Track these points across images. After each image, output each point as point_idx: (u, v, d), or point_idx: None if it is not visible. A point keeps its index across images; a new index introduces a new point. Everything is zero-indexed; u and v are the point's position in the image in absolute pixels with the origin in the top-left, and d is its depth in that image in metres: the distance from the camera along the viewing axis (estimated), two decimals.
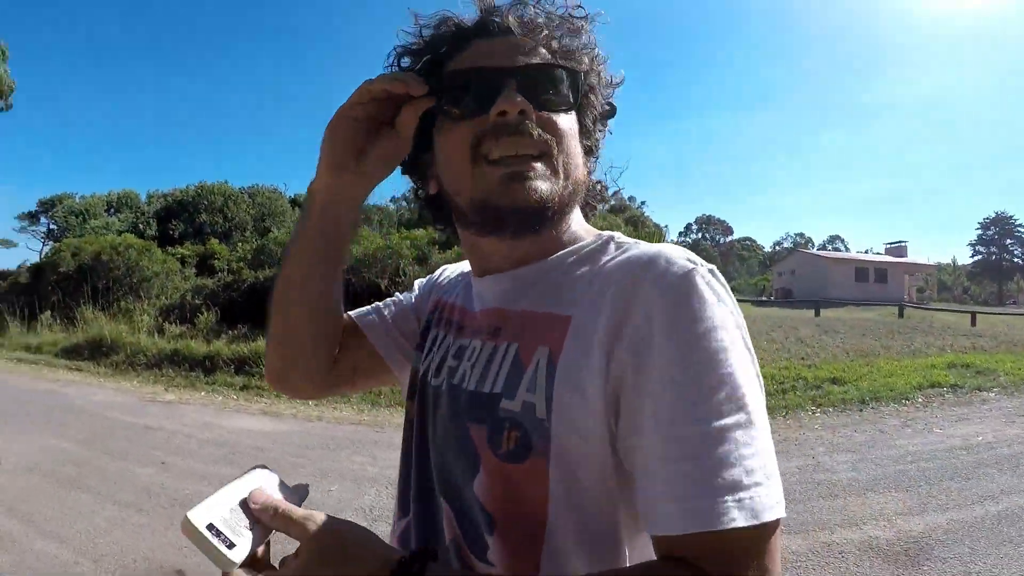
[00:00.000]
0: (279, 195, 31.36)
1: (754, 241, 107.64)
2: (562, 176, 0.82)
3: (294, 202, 32.95)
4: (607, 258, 0.82)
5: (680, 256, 0.72)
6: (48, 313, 19.80)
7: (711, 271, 0.73)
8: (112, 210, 34.03)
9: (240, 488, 0.89)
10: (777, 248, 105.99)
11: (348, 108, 0.84)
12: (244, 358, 11.45)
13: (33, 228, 52.01)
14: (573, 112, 0.86)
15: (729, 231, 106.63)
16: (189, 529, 0.81)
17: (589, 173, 0.95)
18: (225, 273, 21.61)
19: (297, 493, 0.93)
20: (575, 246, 0.87)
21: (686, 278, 0.70)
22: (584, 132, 0.90)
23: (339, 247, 0.96)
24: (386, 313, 1.14)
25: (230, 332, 13.84)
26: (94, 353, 14.96)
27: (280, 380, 1.09)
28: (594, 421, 0.72)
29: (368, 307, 1.16)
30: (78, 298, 20.21)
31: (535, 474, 0.74)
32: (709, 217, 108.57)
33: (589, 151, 0.93)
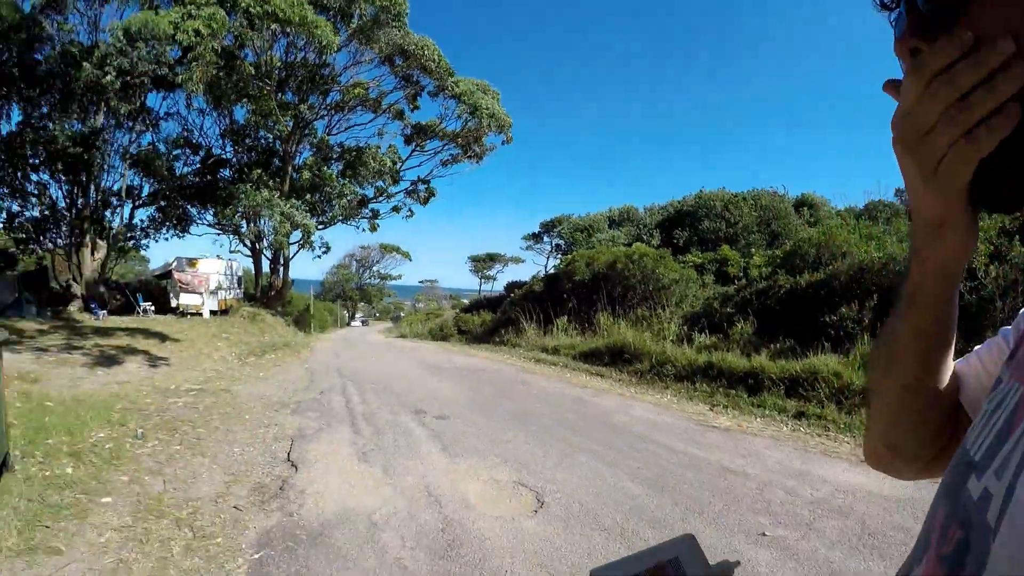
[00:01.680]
0: (780, 198, 31.79)
1: None
2: None
3: (800, 203, 31.91)
4: None
5: None
6: (564, 319, 22.53)
7: None
8: (613, 224, 34.41)
9: (652, 556, 0.86)
10: None
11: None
12: (794, 377, 10.38)
13: (537, 246, 61.04)
14: None
15: None
16: None
17: None
18: (742, 280, 21.23)
19: (718, 571, 0.85)
20: None
21: None
22: None
23: (952, 321, 0.75)
24: (982, 354, 0.86)
25: (771, 346, 12.83)
26: (615, 359, 15.64)
27: (881, 463, 0.94)
28: None
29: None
30: (593, 305, 21.96)
31: None
32: None
33: None
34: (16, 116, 25.93)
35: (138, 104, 24.16)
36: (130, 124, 26.03)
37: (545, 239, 58.09)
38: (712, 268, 23.94)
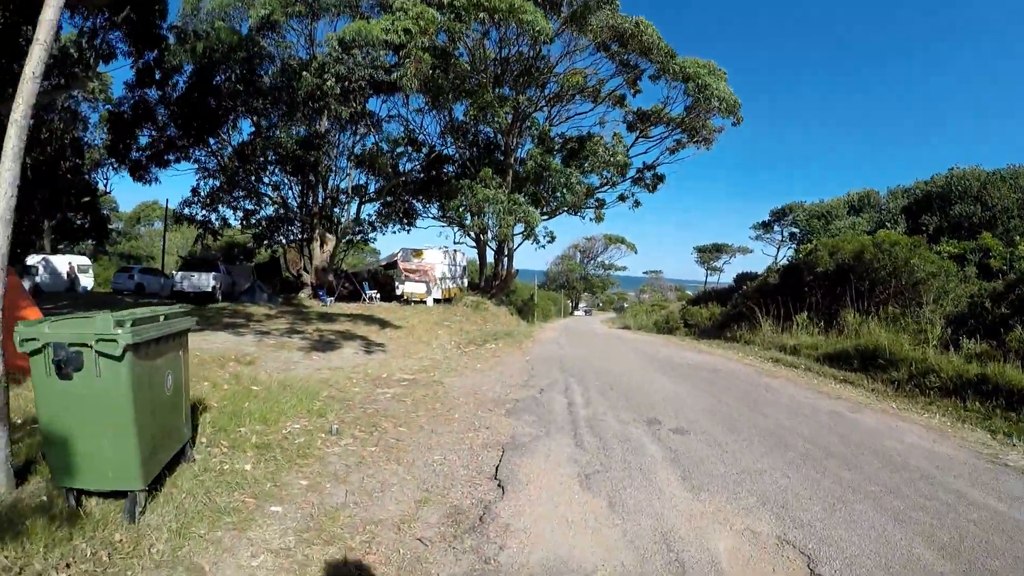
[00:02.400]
0: None
1: None
2: None
3: None
4: None
5: None
6: (804, 315, 20.30)
7: None
8: (853, 211, 31.80)
9: None
10: None
11: None
12: None
13: (767, 236, 60.08)
14: None
15: None
16: None
17: None
18: (1009, 275, 18.25)
19: None
20: None
21: None
22: None
23: None
24: None
25: None
26: (865, 364, 13.74)
27: None
28: None
29: None
30: (837, 300, 19.87)
31: None
32: None
33: None
34: (247, 128, 29.12)
35: (359, 107, 25.16)
36: (353, 127, 27.66)
37: (776, 228, 56.72)
38: (973, 260, 21.19)
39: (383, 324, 18.32)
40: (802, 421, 8.53)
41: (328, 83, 21.93)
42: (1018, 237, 22.07)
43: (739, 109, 28.28)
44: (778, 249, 57.20)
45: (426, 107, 30.06)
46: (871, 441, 7.48)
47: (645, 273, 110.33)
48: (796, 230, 36.22)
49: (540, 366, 13.42)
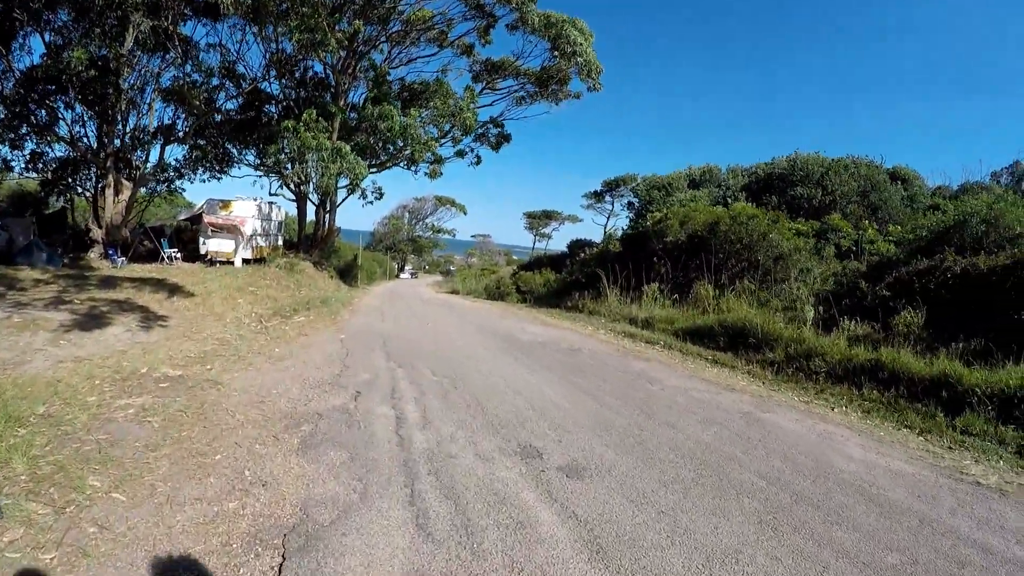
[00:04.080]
0: (876, 167, 28.48)
1: None
2: None
3: (893, 175, 29.15)
4: None
5: None
6: (655, 285, 18.62)
7: None
8: (694, 184, 33.48)
9: None
10: None
11: None
12: (1007, 396, 7.70)
13: (598, 205, 60.20)
14: None
15: None
16: None
17: None
18: (859, 255, 18.48)
19: None
20: None
21: None
22: None
23: None
24: None
25: (952, 345, 9.92)
26: (734, 343, 12.53)
27: None
28: None
29: None
30: (688, 272, 18.49)
31: None
32: None
33: None
34: (40, 49, 23.50)
35: (169, 25, 20.50)
36: (162, 53, 22.42)
37: (607, 198, 56.90)
38: (833, 239, 21.01)
39: (174, 291, 14.75)
40: (723, 434, 6.47)
41: None
42: (866, 221, 22.51)
43: (599, 75, 26.37)
44: (608, 218, 58.23)
45: (250, 31, 25.34)
46: (820, 462, 5.76)
47: (473, 237, 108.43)
48: (635, 200, 35.44)
49: (358, 348, 10.52)
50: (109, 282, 14.89)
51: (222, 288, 16.18)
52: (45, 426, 5.25)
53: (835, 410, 8.10)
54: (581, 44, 24.44)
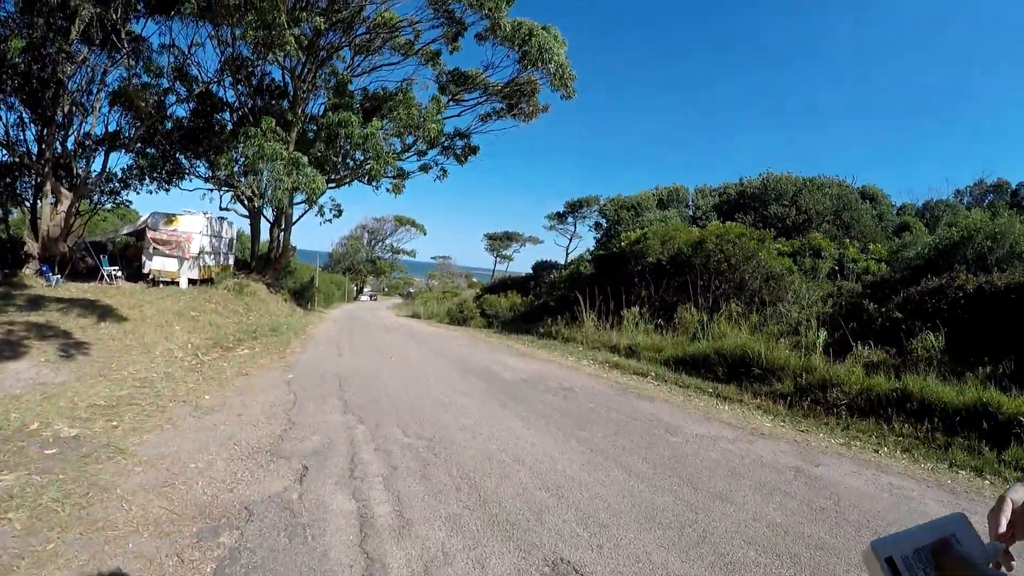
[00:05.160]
0: (846, 187, 28.97)
1: None
2: None
3: (863, 194, 29.78)
4: None
5: None
6: (635, 309, 17.12)
7: None
8: (662, 205, 34.58)
9: (931, 531, 0.96)
10: None
11: None
12: None
13: (560, 227, 59.08)
14: None
15: None
16: (868, 559, 0.95)
17: None
18: (857, 276, 17.94)
19: (990, 551, 0.96)
20: None
21: None
22: None
23: None
24: None
25: (978, 369, 9.09)
26: (734, 373, 11.26)
27: None
28: None
29: None
30: (670, 294, 17.22)
31: None
32: None
33: None
34: None
35: (117, 19, 18.54)
36: (111, 52, 20.44)
37: (570, 220, 56.19)
38: (830, 257, 20.41)
39: (104, 314, 12.98)
40: (789, 505, 5.01)
41: None
42: (847, 240, 21.99)
43: (573, 82, 25.11)
44: (570, 240, 57.97)
45: (206, 37, 24.00)
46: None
47: (433, 258, 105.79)
48: (602, 220, 34.67)
49: (309, 393, 8.51)
50: (36, 303, 13.10)
51: (159, 312, 14.33)
52: None
53: (879, 452, 7.03)
54: (553, 48, 23.22)
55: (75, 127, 22.30)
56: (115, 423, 6.27)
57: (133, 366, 9.38)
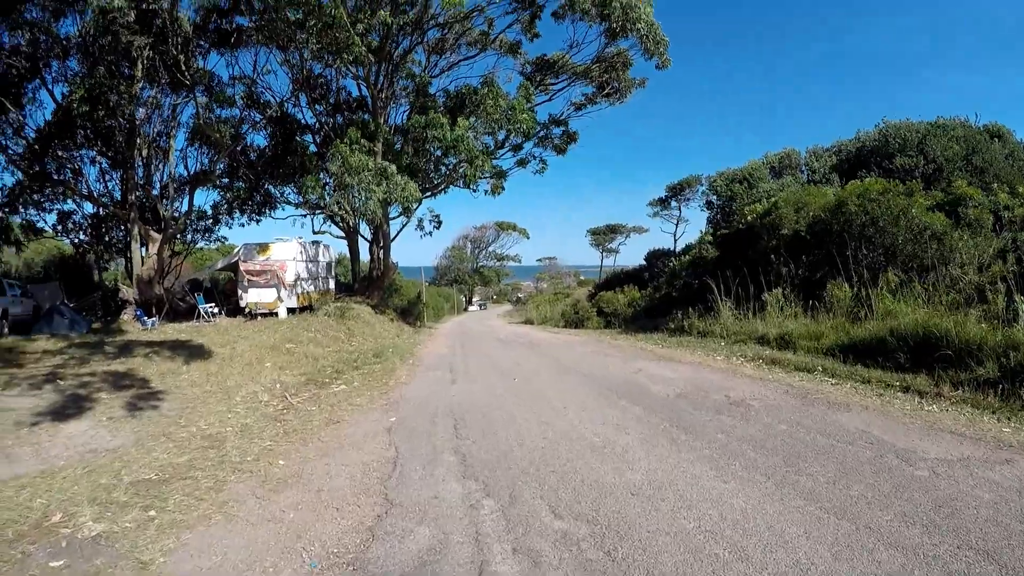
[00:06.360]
0: (970, 127, 25.39)
1: None
2: None
3: (990, 133, 25.56)
4: None
5: None
6: (778, 291, 14.74)
7: None
8: (774, 173, 31.34)
9: None
10: None
11: None
12: None
13: (665, 212, 56.34)
14: None
15: None
16: None
17: None
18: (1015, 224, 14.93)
19: None
20: None
21: None
22: None
23: None
24: None
25: None
26: (918, 359, 9.00)
27: None
28: None
29: None
30: (812, 270, 14.90)
31: None
32: None
33: None
34: (50, 102, 20.67)
35: (180, 56, 17.83)
36: (181, 91, 20.30)
37: (673, 204, 53.38)
38: (974, 211, 17.91)
39: (193, 355, 12.12)
40: None
41: (115, 2, 15.01)
42: (995, 185, 19.22)
43: (666, 49, 22.59)
44: (676, 225, 54.13)
45: (275, 64, 24.14)
46: None
47: (539, 260, 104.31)
48: (714, 198, 32.33)
49: (414, 449, 6.38)
50: (125, 349, 12.26)
51: (252, 348, 13.28)
52: None
53: None
54: (638, 7, 20.70)
55: (156, 168, 22.33)
56: (153, 512, 4.72)
57: (206, 419, 8.06)
